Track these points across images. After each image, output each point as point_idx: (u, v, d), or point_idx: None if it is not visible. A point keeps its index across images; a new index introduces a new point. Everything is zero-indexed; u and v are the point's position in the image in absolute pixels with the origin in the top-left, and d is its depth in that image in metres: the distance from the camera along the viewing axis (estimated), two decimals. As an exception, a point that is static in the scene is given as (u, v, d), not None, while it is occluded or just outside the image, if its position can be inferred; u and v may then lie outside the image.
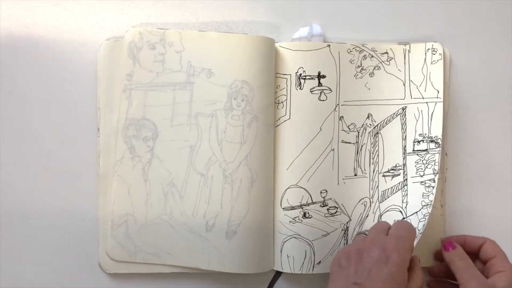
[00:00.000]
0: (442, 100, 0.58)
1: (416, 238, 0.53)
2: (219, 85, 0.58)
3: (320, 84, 0.59)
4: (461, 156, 0.61)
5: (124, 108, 0.58)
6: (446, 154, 0.61)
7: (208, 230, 0.57)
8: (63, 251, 0.59)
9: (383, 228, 0.53)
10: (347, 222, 0.59)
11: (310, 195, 0.59)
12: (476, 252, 0.57)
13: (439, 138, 0.57)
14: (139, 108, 0.58)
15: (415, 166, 0.58)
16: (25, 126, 0.59)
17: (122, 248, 0.57)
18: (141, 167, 0.58)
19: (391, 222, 0.55)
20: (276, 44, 0.59)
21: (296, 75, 0.59)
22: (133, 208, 0.57)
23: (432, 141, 0.58)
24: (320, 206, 0.59)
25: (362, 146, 0.60)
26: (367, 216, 0.59)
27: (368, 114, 0.60)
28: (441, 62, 0.59)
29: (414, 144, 0.59)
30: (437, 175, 0.56)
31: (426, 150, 0.58)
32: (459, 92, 0.62)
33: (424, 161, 0.57)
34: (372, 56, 0.60)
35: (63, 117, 0.59)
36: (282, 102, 0.59)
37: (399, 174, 0.59)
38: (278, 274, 0.60)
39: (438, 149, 0.57)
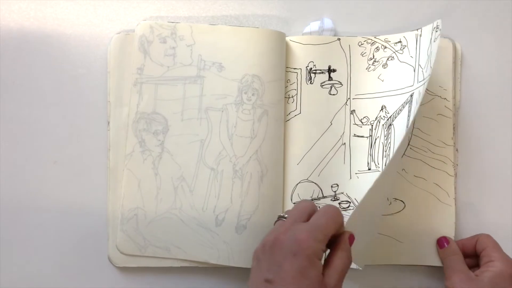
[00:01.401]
0: (430, 73, 0.54)
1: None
2: (230, 79, 0.58)
3: (330, 78, 0.59)
4: (472, 152, 0.61)
5: (135, 102, 0.58)
6: (457, 150, 0.60)
7: (218, 225, 0.57)
8: (72, 244, 0.59)
9: (302, 212, 0.47)
10: None
11: (321, 189, 0.58)
12: (474, 251, 0.57)
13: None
14: (150, 102, 0.58)
15: (411, 148, 0.58)
16: (35, 119, 0.59)
17: (132, 241, 0.57)
18: (151, 161, 0.58)
19: None
20: (287, 38, 0.59)
21: (307, 69, 0.59)
22: (143, 202, 0.57)
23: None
24: (331, 200, 0.59)
25: (376, 139, 0.59)
26: None
27: (382, 106, 0.59)
28: (439, 37, 0.55)
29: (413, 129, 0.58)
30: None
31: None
32: (470, 88, 0.61)
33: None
34: (385, 47, 0.60)
35: (73, 110, 0.59)
36: (292, 97, 0.59)
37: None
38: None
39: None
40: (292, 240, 0.44)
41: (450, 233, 0.58)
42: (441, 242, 0.57)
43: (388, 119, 0.59)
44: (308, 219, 0.47)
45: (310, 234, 0.44)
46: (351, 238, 0.48)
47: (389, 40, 0.60)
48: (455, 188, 0.59)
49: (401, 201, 0.59)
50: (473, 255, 0.57)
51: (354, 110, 0.59)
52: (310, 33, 0.60)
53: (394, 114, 0.59)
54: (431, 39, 0.57)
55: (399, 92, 0.59)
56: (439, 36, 0.55)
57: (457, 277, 0.53)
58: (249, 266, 0.55)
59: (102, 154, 0.59)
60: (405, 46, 0.60)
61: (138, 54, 0.58)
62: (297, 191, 0.58)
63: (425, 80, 0.55)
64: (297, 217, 0.47)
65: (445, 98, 0.59)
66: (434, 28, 0.57)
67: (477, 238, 0.56)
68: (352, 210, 0.58)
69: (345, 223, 0.48)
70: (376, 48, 0.60)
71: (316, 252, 0.44)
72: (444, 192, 0.59)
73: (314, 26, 0.60)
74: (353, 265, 0.50)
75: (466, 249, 0.57)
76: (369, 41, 0.60)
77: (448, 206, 0.59)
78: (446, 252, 0.56)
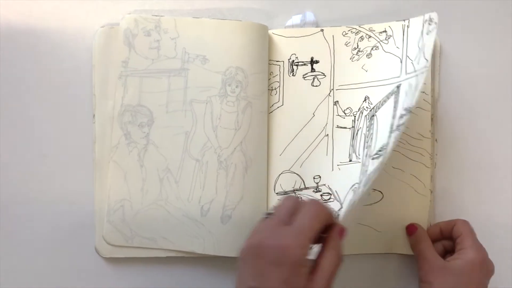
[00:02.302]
0: (428, 67, 0.52)
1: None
2: (214, 72, 0.58)
3: (313, 69, 0.60)
4: (451, 142, 0.62)
5: (120, 95, 0.58)
6: (436, 140, 0.61)
7: (203, 215, 0.58)
8: (60, 236, 0.59)
9: (286, 211, 0.46)
10: (339, 209, 0.57)
11: (303, 180, 0.59)
12: (451, 235, 0.57)
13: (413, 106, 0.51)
14: (135, 94, 0.58)
15: (393, 142, 0.51)
16: (21, 112, 0.59)
17: (118, 232, 0.58)
18: (136, 153, 0.58)
19: None
20: (269, 31, 0.60)
21: (289, 61, 0.60)
22: (129, 194, 0.58)
23: (410, 112, 0.49)
24: (313, 191, 0.59)
25: (358, 130, 0.60)
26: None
27: (365, 97, 0.59)
28: (435, 30, 0.53)
29: (399, 120, 0.51)
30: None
31: (404, 123, 0.50)
32: (449, 79, 0.62)
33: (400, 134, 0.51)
34: (370, 37, 0.60)
35: (59, 103, 0.59)
36: (275, 89, 0.60)
37: (382, 155, 0.52)
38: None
39: (410, 114, 0.50)
40: (275, 247, 0.42)
41: (424, 222, 0.59)
42: (410, 229, 0.57)
43: (371, 110, 0.59)
44: (291, 218, 0.45)
45: (293, 240, 0.43)
46: (341, 232, 0.46)
47: (373, 29, 0.60)
48: (432, 177, 0.60)
49: (379, 191, 0.60)
50: (451, 238, 0.57)
51: (337, 101, 0.60)
52: (292, 26, 0.61)
53: (378, 105, 0.59)
54: (422, 31, 0.56)
55: (384, 83, 0.59)
56: (434, 30, 0.53)
57: (428, 266, 0.53)
58: (233, 255, 0.57)
59: (88, 146, 0.59)
60: (391, 36, 0.59)
61: (123, 47, 0.58)
62: (279, 182, 0.59)
63: (417, 72, 0.53)
64: (281, 218, 0.45)
65: (423, 92, 0.59)
66: (426, 20, 0.56)
67: (454, 223, 0.57)
68: (333, 202, 0.59)
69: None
70: (360, 37, 0.60)
71: (300, 259, 0.42)
72: (421, 183, 0.59)
73: (296, 19, 0.61)
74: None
75: (444, 232, 0.58)
76: (354, 30, 0.60)
77: (424, 197, 0.59)
78: (415, 239, 0.57)
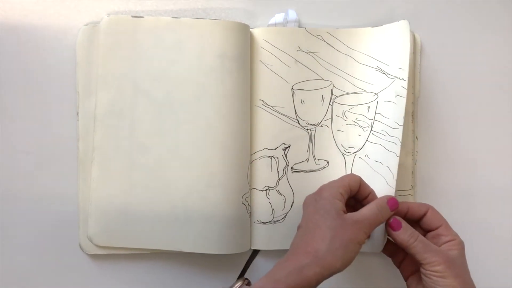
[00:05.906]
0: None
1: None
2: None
3: None
4: (431, 139, 0.63)
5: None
6: (416, 138, 0.62)
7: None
8: (44, 233, 0.59)
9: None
10: None
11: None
12: (418, 220, 0.55)
13: None
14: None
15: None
16: (5, 110, 0.59)
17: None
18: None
19: None
20: (252, 30, 0.60)
21: None
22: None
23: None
24: None
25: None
26: None
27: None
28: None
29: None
30: None
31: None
32: (430, 77, 0.63)
33: None
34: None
35: (43, 101, 0.59)
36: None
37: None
38: (255, 252, 0.62)
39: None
40: (316, 194, 0.54)
41: None
42: (394, 225, 0.53)
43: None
44: None
45: (326, 185, 0.55)
46: (390, 201, 0.53)
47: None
48: (412, 173, 0.61)
49: None
50: (413, 222, 0.55)
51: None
52: (275, 24, 0.61)
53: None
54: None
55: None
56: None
57: (440, 259, 0.50)
58: (220, 252, 0.57)
59: (72, 144, 0.59)
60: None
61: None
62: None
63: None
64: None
65: (402, 78, 0.58)
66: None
67: (426, 209, 0.54)
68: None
69: None
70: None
71: (333, 194, 0.53)
72: (391, 174, 0.56)
73: (278, 17, 0.61)
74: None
75: (410, 214, 0.55)
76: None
77: (391, 188, 0.55)
78: (406, 237, 0.52)
